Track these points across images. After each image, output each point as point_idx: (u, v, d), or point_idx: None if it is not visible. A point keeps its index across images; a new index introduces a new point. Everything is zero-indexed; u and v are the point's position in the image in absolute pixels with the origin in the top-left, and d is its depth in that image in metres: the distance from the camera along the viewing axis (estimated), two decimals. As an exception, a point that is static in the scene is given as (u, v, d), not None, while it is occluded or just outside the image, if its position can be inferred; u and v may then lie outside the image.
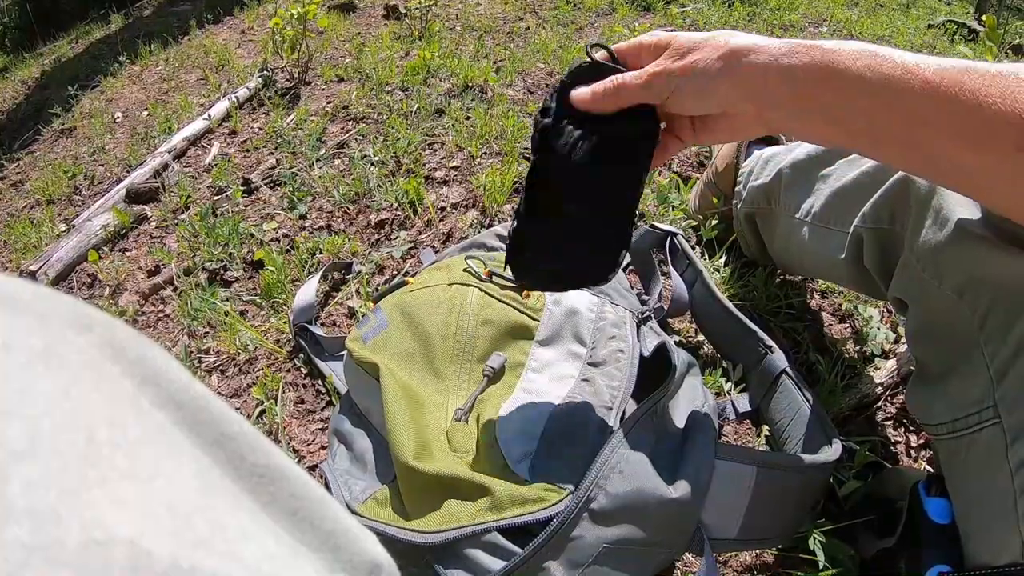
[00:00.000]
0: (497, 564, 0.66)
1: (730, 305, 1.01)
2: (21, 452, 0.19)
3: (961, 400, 0.71)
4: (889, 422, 1.03)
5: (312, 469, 0.99)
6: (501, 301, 0.92)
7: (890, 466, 0.92)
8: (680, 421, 0.78)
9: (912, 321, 0.79)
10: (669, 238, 1.13)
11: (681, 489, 0.68)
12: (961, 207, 0.70)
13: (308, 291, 1.21)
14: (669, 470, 0.71)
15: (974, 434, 0.69)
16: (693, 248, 1.29)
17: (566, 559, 0.66)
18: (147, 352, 0.27)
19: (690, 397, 0.83)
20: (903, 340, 1.12)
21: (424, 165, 1.71)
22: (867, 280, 0.88)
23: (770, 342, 0.96)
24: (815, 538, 0.83)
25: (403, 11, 2.98)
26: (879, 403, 1.05)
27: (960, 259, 0.70)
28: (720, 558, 0.86)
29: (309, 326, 1.15)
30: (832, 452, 0.78)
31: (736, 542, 0.74)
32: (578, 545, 0.66)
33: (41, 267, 1.58)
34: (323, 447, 1.02)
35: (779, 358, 0.94)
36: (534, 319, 0.91)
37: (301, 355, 1.16)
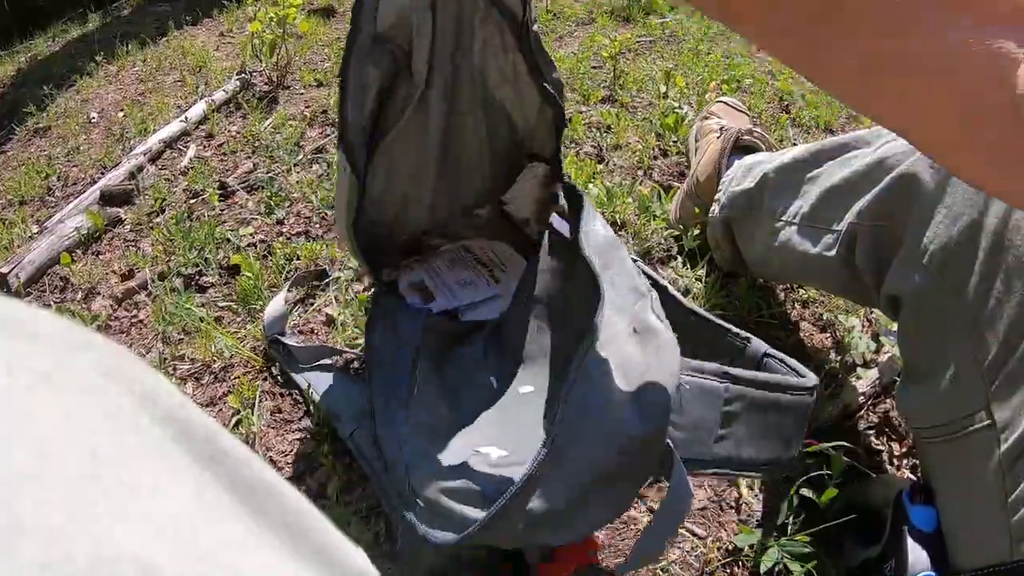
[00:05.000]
0: (476, 513, 0.67)
1: (699, 309, 1.01)
2: (28, 474, 0.19)
3: (954, 402, 0.71)
4: (871, 431, 1.03)
5: (290, 481, 0.97)
6: None
7: (873, 475, 0.92)
8: (644, 341, 0.77)
9: (905, 319, 0.79)
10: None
11: (647, 412, 0.67)
12: (972, 206, 0.70)
13: (277, 303, 1.19)
14: (634, 393, 0.69)
15: (967, 436, 0.70)
16: (673, 258, 1.29)
17: (542, 500, 0.65)
18: (143, 371, 0.27)
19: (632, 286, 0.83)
20: (884, 350, 1.13)
21: (404, 171, 1.69)
22: (854, 280, 0.88)
23: (746, 334, 0.95)
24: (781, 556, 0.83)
25: (383, 16, 2.96)
26: (861, 412, 1.05)
27: (968, 256, 0.70)
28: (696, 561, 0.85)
29: (282, 337, 1.14)
30: (808, 380, 0.77)
31: (711, 464, 0.72)
32: (555, 488, 0.65)
33: (12, 269, 1.55)
34: (301, 457, 1.00)
35: (758, 344, 0.93)
36: None
37: (277, 365, 1.14)
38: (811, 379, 0.78)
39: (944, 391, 0.73)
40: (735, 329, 0.97)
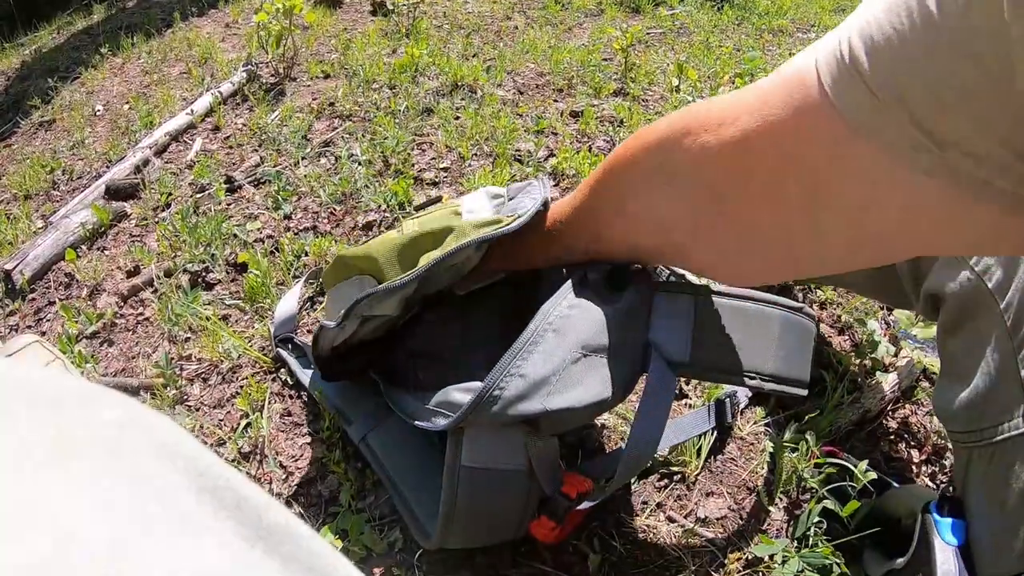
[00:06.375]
0: (467, 396, 0.72)
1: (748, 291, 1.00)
2: (51, 561, 0.19)
3: (989, 406, 0.70)
4: (891, 437, 1.01)
5: (301, 487, 0.95)
6: None
7: (896, 484, 0.90)
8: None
9: (946, 318, 0.77)
10: None
11: (625, 303, 0.75)
12: None
13: (289, 302, 1.17)
14: (617, 296, 0.77)
15: (1001, 442, 0.68)
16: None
17: (542, 364, 0.70)
18: (159, 423, 0.28)
19: None
20: (903, 353, 1.10)
21: (413, 166, 1.67)
22: (889, 278, 0.85)
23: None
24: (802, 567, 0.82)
25: (390, 8, 2.94)
26: (881, 417, 1.03)
27: (1014, 257, 0.68)
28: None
29: (293, 336, 1.12)
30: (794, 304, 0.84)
31: (692, 367, 0.77)
32: (550, 354, 0.70)
33: (17, 265, 1.53)
34: (311, 462, 0.98)
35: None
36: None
37: (285, 367, 1.12)
38: (796, 304, 0.84)
39: (980, 394, 0.72)
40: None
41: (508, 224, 0.77)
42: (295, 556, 0.26)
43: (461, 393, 0.75)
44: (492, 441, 0.74)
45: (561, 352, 0.70)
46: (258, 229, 1.51)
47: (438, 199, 1.50)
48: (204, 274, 1.39)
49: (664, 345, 0.76)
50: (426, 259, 0.79)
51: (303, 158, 1.77)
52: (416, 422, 0.80)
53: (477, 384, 0.73)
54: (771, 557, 0.84)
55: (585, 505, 0.77)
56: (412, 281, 0.79)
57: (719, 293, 0.79)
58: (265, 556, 0.25)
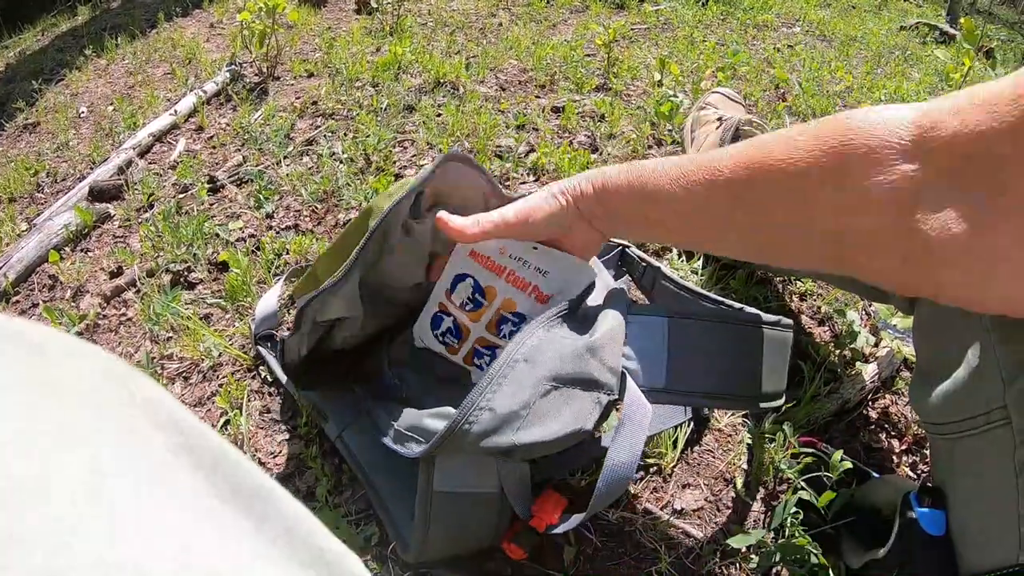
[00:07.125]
0: (440, 424, 0.72)
1: (693, 286, 1.00)
2: (32, 489, 0.20)
3: (969, 400, 0.69)
4: (872, 427, 1.01)
5: (278, 482, 0.95)
6: None
7: (876, 474, 0.90)
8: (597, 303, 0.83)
9: (922, 314, 0.76)
10: (621, 250, 1.12)
11: (599, 331, 0.74)
12: None
13: (269, 300, 1.16)
14: (591, 325, 0.76)
15: (981, 435, 0.67)
16: (668, 250, 1.28)
17: (512, 398, 0.69)
18: (143, 380, 0.28)
19: (605, 284, 0.90)
20: (883, 344, 1.11)
21: (394, 163, 1.67)
22: None
23: (738, 305, 0.94)
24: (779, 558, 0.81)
25: (375, 6, 2.94)
26: (861, 408, 1.03)
27: None
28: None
29: (275, 333, 1.12)
30: (768, 316, 0.83)
31: (669, 393, 0.77)
32: (520, 386, 0.70)
33: (1, 268, 1.52)
34: (289, 458, 0.98)
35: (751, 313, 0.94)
36: None
37: (265, 364, 1.12)
38: (772, 317, 0.82)
39: (961, 387, 0.70)
40: (727, 301, 0.96)
41: (417, 178, 0.77)
42: (271, 516, 0.27)
43: (433, 420, 0.75)
44: (464, 465, 0.75)
45: (532, 383, 0.70)
46: (240, 228, 1.51)
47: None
48: (186, 274, 1.39)
49: (640, 372, 0.77)
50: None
51: (285, 157, 1.77)
52: (386, 440, 0.80)
53: (449, 410, 0.74)
54: (748, 548, 0.84)
55: (564, 527, 0.77)
56: (347, 274, 0.78)
57: (691, 315, 0.79)
58: (240, 516, 0.26)
